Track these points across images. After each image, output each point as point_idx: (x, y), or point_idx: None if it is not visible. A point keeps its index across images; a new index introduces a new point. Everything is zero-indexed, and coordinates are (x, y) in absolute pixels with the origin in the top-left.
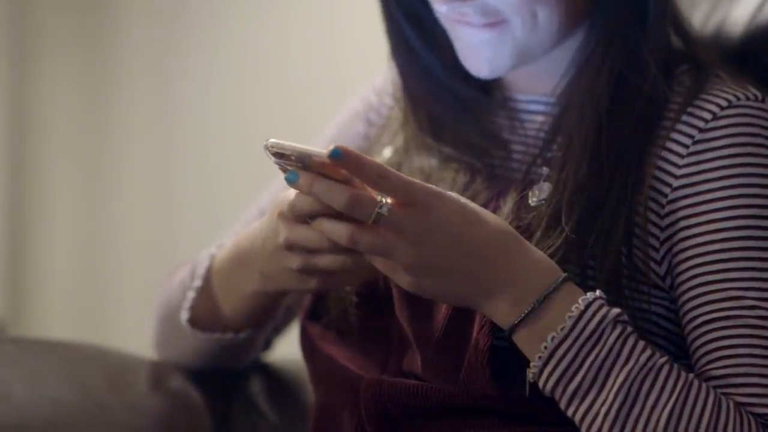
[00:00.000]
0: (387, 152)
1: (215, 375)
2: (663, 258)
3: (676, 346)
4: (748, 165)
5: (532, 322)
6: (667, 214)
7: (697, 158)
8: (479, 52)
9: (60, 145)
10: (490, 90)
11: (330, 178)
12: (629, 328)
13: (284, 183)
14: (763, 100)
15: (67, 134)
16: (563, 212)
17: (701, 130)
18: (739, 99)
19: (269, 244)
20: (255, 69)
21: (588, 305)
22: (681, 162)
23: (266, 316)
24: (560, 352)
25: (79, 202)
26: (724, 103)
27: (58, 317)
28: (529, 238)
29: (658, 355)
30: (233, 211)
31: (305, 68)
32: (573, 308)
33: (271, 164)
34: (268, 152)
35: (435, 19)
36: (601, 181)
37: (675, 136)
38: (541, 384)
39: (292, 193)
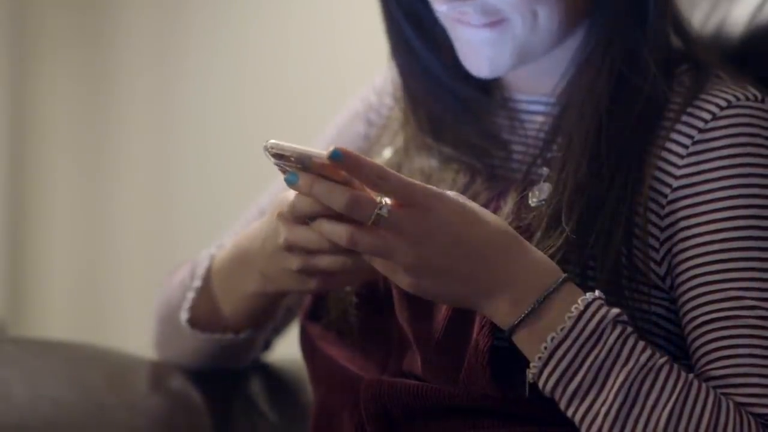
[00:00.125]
0: (387, 153)
1: (215, 375)
2: (663, 258)
3: (676, 346)
4: (747, 165)
5: (532, 323)
6: (667, 215)
7: (697, 158)
8: (479, 51)
9: (60, 145)
10: (490, 90)
11: (330, 179)
12: (629, 329)
13: (284, 184)
14: (762, 101)
15: (67, 134)
16: (563, 212)
17: (701, 131)
18: (738, 99)
19: (269, 245)
20: (255, 69)
21: (587, 305)
22: (681, 162)
23: (266, 317)
24: (560, 352)
25: (79, 202)
26: (723, 104)
27: (58, 317)
28: (530, 238)
29: (658, 355)
30: (233, 211)
31: (305, 68)
32: (572, 308)
33: (270, 165)
34: (267, 153)
35: (435, 18)
36: (601, 180)
37: (675, 136)
38: (540, 384)
39: (291, 193)
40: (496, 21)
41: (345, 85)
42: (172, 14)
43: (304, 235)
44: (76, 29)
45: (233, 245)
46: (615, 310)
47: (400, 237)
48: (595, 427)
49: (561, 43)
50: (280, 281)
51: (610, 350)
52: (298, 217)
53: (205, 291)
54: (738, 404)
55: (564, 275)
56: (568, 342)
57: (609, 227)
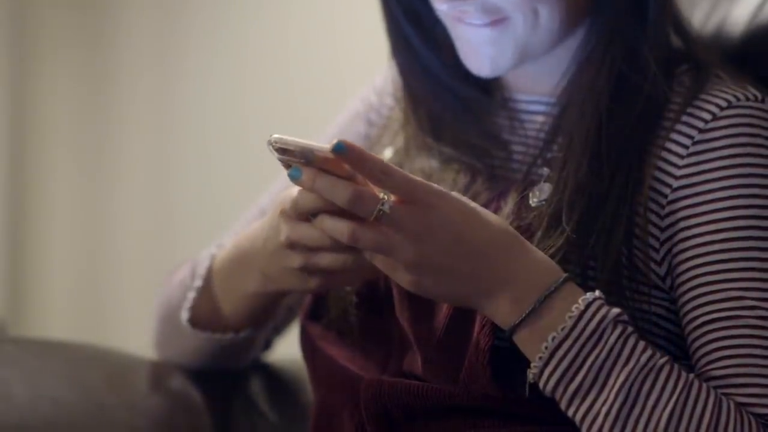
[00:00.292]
0: (388, 153)
1: (215, 375)
2: (663, 258)
3: (677, 346)
4: (748, 165)
5: (533, 322)
6: (667, 215)
7: (697, 158)
8: (480, 50)
9: (60, 145)
10: (491, 90)
11: (333, 174)
12: (630, 328)
13: (285, 184)
14: (762, 101)
15: (67, 134)
16: (564, 212)
17: (701, 131)
18: (738, 99)
19: (270, 244)
20: (255, 69)
21: (588, 305)
22: (681, 162)
23: (266, 316)
24: (561, 352)
25: (79, 202)
26: (723, 104)
27: (58, 317)
28: (530, 238)
29: (658, 355)
30: (233, 211)
31: (305, 68)
32: (573, 308)
33: (271, 164)
34: (271, 148)
35: (435, 17)
36: (602, 180)
37: (675, 136)
38: (541, 384)
39: (293, 191)
40: (497, 20)
41: (345, 85)
42: (172, 14)
43: (305, 232)
44: (76, 29)
45: (234, 245)
46: (615, 310)
47: (402, 234)
48: (595, 427)
49: (562, 42)
50: (281, 280)
51: (611, 350)
52: (301, 214)
53: (206, 291)
54: (738, 404)
55: (565, 275)
56: (569, 342)
57: (609, 227)
